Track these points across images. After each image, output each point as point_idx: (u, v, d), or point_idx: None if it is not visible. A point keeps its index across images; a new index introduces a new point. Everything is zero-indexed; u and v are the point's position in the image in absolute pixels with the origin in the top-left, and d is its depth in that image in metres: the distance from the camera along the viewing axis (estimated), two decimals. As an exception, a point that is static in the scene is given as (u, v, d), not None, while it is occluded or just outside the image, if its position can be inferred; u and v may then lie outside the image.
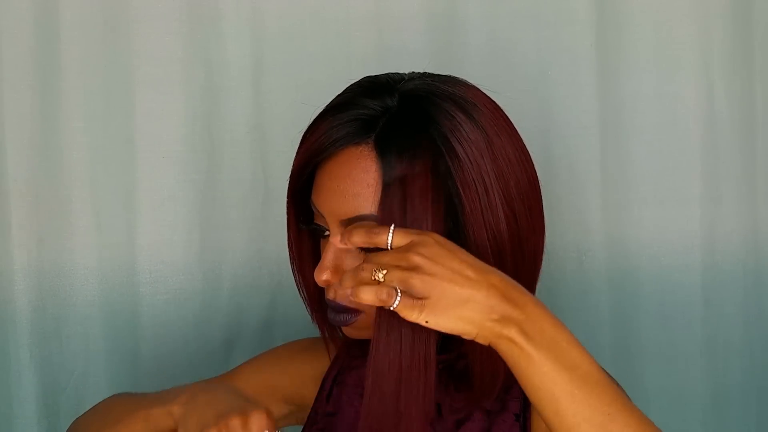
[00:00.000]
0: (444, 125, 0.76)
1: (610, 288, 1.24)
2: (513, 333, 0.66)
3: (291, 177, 0.84)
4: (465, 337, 0.67)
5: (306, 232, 0.86)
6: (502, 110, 0.82)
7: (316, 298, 0.88)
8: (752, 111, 1.26)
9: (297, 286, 0.89)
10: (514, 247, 0.78)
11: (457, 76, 0.83)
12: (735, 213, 1.25)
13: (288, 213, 0.86)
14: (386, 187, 0.75)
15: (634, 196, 1.24)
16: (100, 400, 1.14)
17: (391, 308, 0.66)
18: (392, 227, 0.69)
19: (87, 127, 1.13)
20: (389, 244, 0.69)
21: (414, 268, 0.66)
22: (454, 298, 0.65)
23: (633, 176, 1.24)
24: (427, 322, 0.65)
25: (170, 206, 1.16)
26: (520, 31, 1.21)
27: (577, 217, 1.23)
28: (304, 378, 0.96)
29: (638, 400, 1.11)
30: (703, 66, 1.24)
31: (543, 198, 1.18)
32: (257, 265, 1.18)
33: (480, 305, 0.66)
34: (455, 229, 0.76)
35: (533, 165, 0.82)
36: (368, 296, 0.66)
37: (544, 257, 1.24)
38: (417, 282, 0.65)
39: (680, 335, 1.25)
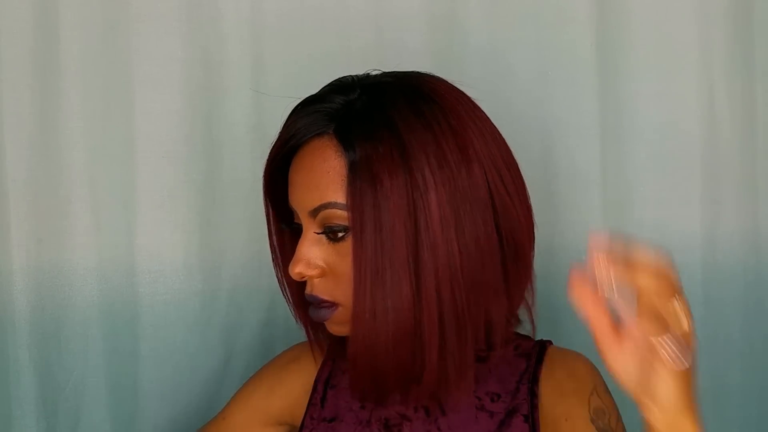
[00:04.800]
0: (397, 112, 0.78)
1: (610, 288, 1.23)
2: None
3: (264, 174, 0.85)
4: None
5: (288, 233, 0.87)
6: (467, 103, 0.83)
7: (300, 299, 0.89)
8: (752, 111, 1.26)
9: (280, 285, 0.90)
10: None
11: (426, 72, 0.85)
12: (735, 213, 1.26)
13: (267, 213, 0.88)
14: (352, 168, 0.77)
15: (634, 196, 1.24)
16: (100, 401, 1.15)
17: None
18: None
19: (86, 126, 1.13)
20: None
21: None
22: None
23: (633, 176, 1.24)
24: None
25: (170, 206, 1.15)
26: (520, 31, 1.21)
27: (577, 217, 1.23)
28: (293, 395, 0.96)
29: (639, 400, 1.12)
30: (703, 66, 1.24)
31: (543, 198, 1.18)
32: (257, 266, 1.18)
33: None
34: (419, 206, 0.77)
35: (503, 152, 0.83)
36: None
37: (545, 258, 1.24)
38: None
39: (680, 335, 1.25)
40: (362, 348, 0.77)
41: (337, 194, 0.78)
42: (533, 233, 0.85)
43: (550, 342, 0.90)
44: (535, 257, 0.88)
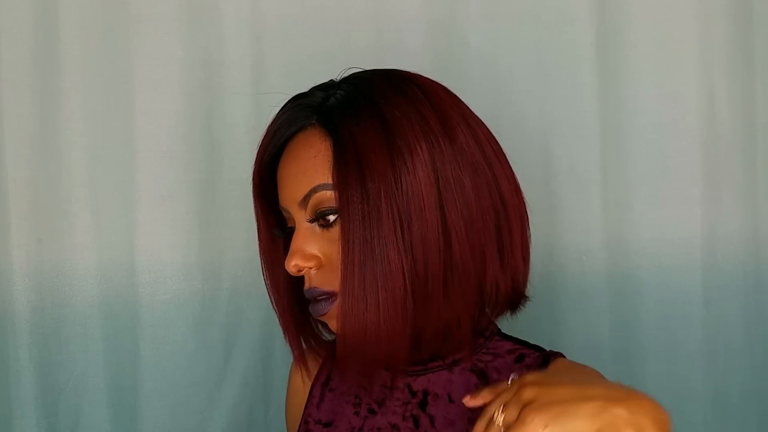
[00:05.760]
0: (377, 92, 0.79)
1: (610, 288, 1.23)
2: None
3: (252, 176, 0.86)
4: None
5: (281, 243, 0.86)
6: (444, 87, 0.83)
7: (289, 309, 0.89)
8: (752, 111, 1.26)
9: (269, 295, 0.89)
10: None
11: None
12: (735, 213, 1.25)
13: (257, 218, 0.88)
14: (337, 148, 0.77)
15: (634, 196, 1.24)
16: (100, 401, 1.15)
17: None
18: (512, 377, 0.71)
19: (86, 127, 1.13)
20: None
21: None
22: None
23: (633, 176, 1.24)
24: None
25: (170, 206, 1.15)
26: (520, 31, 1.21)
27: (577, 217, 1.22)
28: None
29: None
30: (703, 66, 1.24)
31: (543, 198, 1.17)
32: (257, 266, 1.17)
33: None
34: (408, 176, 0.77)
35: (483, 129, 0.83)
36: None
37: (545, 258, 1.24)
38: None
39: (680, 335, 1.25)
40: (351, 319, 0.76)
41: (325, 176, 0.78)
42: (525, 212, 0.84)
43: (560, 355, 0.86)
44: (535, 257, 0.88)
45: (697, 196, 1.24)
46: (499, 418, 0.67)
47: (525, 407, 0.66)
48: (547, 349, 0.87)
